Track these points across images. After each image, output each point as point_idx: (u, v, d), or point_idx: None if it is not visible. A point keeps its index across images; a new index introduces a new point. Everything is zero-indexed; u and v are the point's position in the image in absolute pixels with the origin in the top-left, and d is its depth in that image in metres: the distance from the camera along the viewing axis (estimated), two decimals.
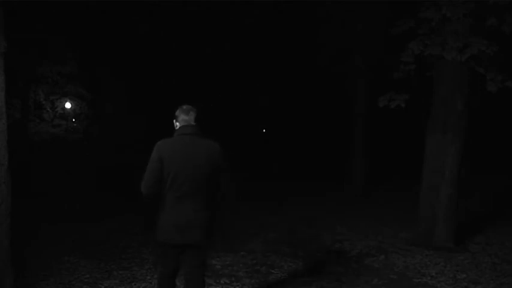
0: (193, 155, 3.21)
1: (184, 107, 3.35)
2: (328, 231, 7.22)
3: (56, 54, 17.21)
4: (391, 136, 17.72)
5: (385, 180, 13.38)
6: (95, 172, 13.59)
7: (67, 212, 8.22)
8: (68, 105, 20.26)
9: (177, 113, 3.35)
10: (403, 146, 17.00)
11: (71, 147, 18.90)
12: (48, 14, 14.65)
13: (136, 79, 19.44)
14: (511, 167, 14.59)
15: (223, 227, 7.07)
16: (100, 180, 12.03)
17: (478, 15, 5.55)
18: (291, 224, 7.71)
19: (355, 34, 10.25)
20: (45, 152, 17.55)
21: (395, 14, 6.63)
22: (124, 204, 8.35)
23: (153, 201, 3.30)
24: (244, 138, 21.84)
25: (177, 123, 3.36)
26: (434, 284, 4.83)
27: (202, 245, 3.31)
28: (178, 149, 3.23)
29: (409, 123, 14.92)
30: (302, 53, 13.72)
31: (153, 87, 19.67)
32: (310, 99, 19.43)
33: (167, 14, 16.57)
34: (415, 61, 6.08)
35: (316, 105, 19.69)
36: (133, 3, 14.94)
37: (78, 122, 21.21)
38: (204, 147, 3.26)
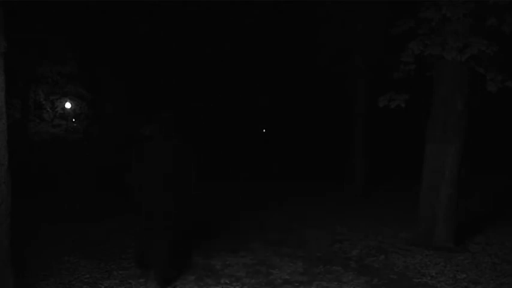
0: (167, 155, 4.30)
1: (163, 115, 4.34)
2: (328, 231, 7.21)
3: (56, 54, 17.18)
4: (391, 136, 17.70)
5: (385, 180, 13.37)
6: (95, 172, 13.57)
7: (67, 212, 8.22)
8: (68, 105, 20.23)
9: (156, 120, 4.33)
10: (403, 145, 16.98)
11: (71, 147, 18.85)
12: (48, 14, 14.64)
13: (136, 79, 19.40)
14: (511, 167, 14.58)
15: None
16: (100, 180, 12.00)
17: (478, 15, 5.55)
18: (290, 224, 7.71)
19: (355, 34, 10.25)
20: (45, 152, 17.50)
21: (395, 14, 6.62)
22: (124, 204, 8.32)
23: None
24: (244, 138, 21.82)
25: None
26: (434, 284, 4.83)
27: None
28: (156, 150, 4.32)
29: (409, 123, 14.90)
30: (302, 53, 13.71)
31: (153, 87, 19.64)
32: (310, 99, 19.41)
33: (167, 14, 16.56)
34: (415, 61, 6.08)
35: (316, 105, 19.67)
36: (133, 3, 14.93)
37: (78, 122, 21.16)
38: (175, 148, 4.34)
